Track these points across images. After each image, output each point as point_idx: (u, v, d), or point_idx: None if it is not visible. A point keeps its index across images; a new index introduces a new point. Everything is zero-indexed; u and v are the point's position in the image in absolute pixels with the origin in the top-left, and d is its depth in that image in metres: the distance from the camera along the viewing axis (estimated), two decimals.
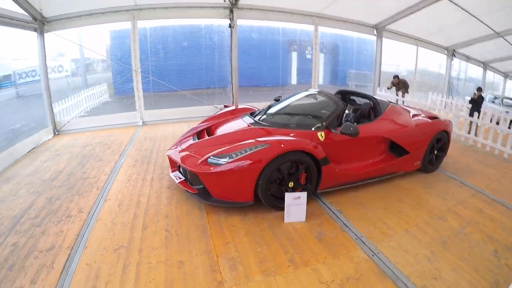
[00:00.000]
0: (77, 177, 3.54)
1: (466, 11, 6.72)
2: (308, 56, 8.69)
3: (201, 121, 3.89)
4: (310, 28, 7.19)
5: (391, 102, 3.95)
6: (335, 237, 2.41)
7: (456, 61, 9.91)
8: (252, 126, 3.15)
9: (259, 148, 2.46)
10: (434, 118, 4.09)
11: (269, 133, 2.94)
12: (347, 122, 3.03)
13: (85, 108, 7.29)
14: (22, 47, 6.79)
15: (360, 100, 3.95)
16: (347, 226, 2.56)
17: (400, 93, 7.57)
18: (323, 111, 3.26)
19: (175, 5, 5.67)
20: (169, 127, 5.90)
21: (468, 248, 2.34)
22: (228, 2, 5.77)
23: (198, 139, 3.23)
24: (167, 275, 1.90)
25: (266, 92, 7.24)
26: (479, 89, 6.77)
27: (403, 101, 6.99)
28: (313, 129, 3.01)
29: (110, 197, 3.02)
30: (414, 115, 3.99)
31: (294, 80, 8.82)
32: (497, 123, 5.31)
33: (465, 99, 7.95)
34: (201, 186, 2.64)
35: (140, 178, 3.46)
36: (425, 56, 9.31)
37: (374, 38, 8.05)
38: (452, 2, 6.18)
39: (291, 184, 2.63)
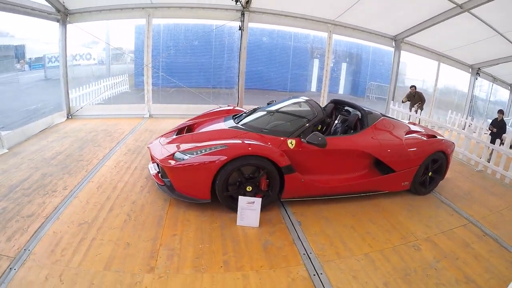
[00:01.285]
0: (73, 158, 4.01)
1: (490, 27, 6.43)
2: (330, 64, 8.79)
3: (189, 118, 4.20)
4: (324, 35, 7.28)
5: (385, 115, 3.90)
6: (282, 248, 2.44)
7: (481, 80, 9.37)
8: (228, 128, 3.32)
9: (218, 149, 2.66)
10: (432, 137, 3.96)
11: (239, 136, 3.07)
12: (316, 132, 3.03)
13: (102, 96, 7.98)
14: (54, 31, 7.62)
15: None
16: (299, 239, 2.57)
17: (414, 107, 7.37)
18: (300, 120, 3.31)
19: (189, 5, 6.09)
20: (171, 122, 6.31)
21: (433, 286, 2.14)
22: (240, 5, 6.06)
23: (178, 135, 3.52)
24: (112, 253, 2.20)
25: (273, 96, 7.48)
26: (501, 112, 6.40)
27: (419, 119, 6.80)
28: (285, 136, 3.08)
29: (93, 179, 3.43)
30: (409, 132, 3.89)
31: (314, 87, 8.93)
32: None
33: (487, 121, 7.55)
34: (168, 180, 2.93)
35: (126, 166, 3.85)
36: (448, 73, 8.94)
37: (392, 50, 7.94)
38: (474, 15, 5.95)
39: (249, 188, 2.76)
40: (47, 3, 5.10)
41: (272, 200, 2.96)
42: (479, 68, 8.98)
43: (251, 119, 3.58)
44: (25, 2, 4.60)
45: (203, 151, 2.72)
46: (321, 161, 3.21)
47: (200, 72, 6.89)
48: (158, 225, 2.57)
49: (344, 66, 9.41)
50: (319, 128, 4.05)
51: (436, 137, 4.02)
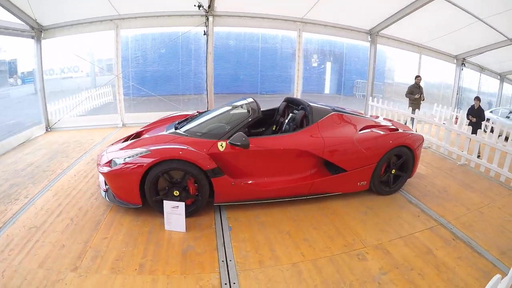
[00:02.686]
0: (41, 169, 4.55)
1: (468, 12, 6.51)
2: (314, 65, 9.06)
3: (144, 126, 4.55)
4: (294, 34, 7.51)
5: (339, 111, 3.87)
6: (202, 254, 2.54)
7: (468, 71, 9.35)
8: (166, 134, 3.55)
9: (143, 154, 2.95)
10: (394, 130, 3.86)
11: (172, 141, 3.24)
12: (239, 132, 3.10)
13: (83, 107, 8.53)
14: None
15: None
16: (223, 246, 2.66)
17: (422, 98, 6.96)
18: (235, 121, 3.36)
19: (154, 14, 6.54)
20: None
21: None
22: (203, 10, 6.44)
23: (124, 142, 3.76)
24: (48, 253, 2.65)
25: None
26: (477, 99, 6.44)
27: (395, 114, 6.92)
28: (216, 139, 3.16)
29: (52, 188, 3.92)
30: (366, 127, 3.81)
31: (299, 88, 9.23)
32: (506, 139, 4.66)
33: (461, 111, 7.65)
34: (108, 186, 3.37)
35: (84, 175, 4.33)
36: (433, 65, 9.00)
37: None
38: (449, 1, 6.02)
39: (176, 193, 2.98)
40: (20, 22, 5.66)
41: (202, 205, 3.13)
42: (464, 59, 8.99)
43: (191, 124, 3.70)
44: (1, 22, 5.17)
45: (131, 157, 3.02)
46: (256, 162, 3.23)
47: (169, 79, 7.35)
48: (94, 229, 3.01)
49: (328, 65, 9.62)
50: (274, 128, 4.35)
51: (398, 130, 3.91)
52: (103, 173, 3.21)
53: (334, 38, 7.92)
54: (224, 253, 2.60)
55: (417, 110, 6.33)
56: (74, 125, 6.92)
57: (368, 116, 4.90)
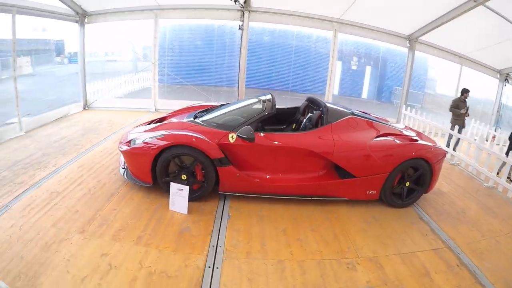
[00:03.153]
0: (72, 143, 4.94)
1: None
2: (353, 67, 8.89)
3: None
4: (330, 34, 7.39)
5: (356, 114, 3.76)
6: (196, 236, 2.67)
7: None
8: (185, 121, 3.72)
9: (157, 137, 3.15)
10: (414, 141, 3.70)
11: (187, 128, 3.38)
12: (247, 126, 3.19)
13: (121, 90, 9.11)
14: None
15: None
16: (218, 232, 2.77)
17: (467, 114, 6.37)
18: (249, 116, 3.45)
19: (192, 6, 6.80)
20: None
21: None
22: (239, 5, 6.58)
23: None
24: (62, 216, 2.88)
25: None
26: None
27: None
28: (229, 130, 3.27)
29: (79, 160, 4.24)
30: (383, 134, 3.67)
31: (336, 90, 9.10)
32: None
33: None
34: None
35: (110, 152, 4.64)
36: (474, 78, 8.31)
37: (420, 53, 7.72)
38: (491, 9, 5.60)
39: (183, 177, 3.15)
40: (65, 6, 6.22)
41: (207, 192, 3.26)
42: (508, 74, 8.21)
43: (209, 114, 3.84)
44: (47, 7, 5.73)
45: (148, 139, 3.23)
46: (264, 157, 3.30)
47: (203, 70, 7.61)
48: (107, 200, 3.22)
49: (365, 69, 9.35)
50: (293, 127, 4.35)
51: (418, 140, 3.70)
52: (122, 151, 3.44)
53: (371, 41, 7.65)
54: (217, 239, 2.69)
55: (456, 126, 5.80)
56: (110, 106, 7.43)
57: (396, 124, 4.58)
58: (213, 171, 3.17)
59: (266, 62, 7.75)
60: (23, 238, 2.52)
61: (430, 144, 3.79)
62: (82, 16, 6.65)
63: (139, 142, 3.31)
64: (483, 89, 8.92)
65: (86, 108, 7.29)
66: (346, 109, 3.88)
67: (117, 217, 2.95)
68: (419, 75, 9.11)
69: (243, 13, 6.77)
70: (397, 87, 9.77)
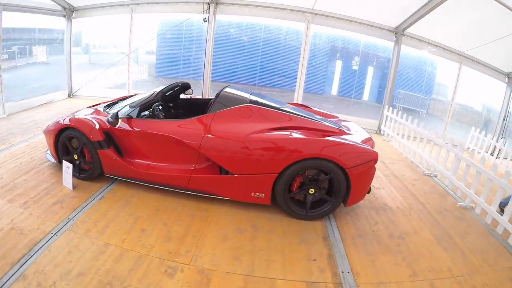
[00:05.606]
0: (36, 125, 6.09)
1: None
2: (355, 67, 9.00)
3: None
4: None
5: (252, 103, 3.68)
6: (64, 208, 3.25)
7: None
8: (97, 108, 4.44)
9: (62, 119, 3.92)
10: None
11: (94, 113, 4.05)
12: (115, 111, 3.60)
13: (110, 81, 10.25)
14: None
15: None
16: (82, 209, 3.29)
17: None
18: (135, 102, 3.94)
19: (164, 0, 7.62)
20: None
21: None
22: None
23: None
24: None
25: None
26: None
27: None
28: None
29: (34, 139, 5.33)
30: (287, 127, 3.49)
31: (334, 90, 9.33)
32: None
33: None
34: None
35: None
36: (476, 80, 7.72)
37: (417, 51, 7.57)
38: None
39: (75, 157, 3.81)
40: (53, 3, 7.48)
41: (96, 173, 3.80)
42: None
43: (120, 103, 4.47)
44: (34, 3, 6.95)
45: (57, 120, 4.03)
46: (139, 143, 3.66)
47: (171, 63, 8.44)
48: (25, 173, 4.05)
49: (370, 70, 9.32)
50: None
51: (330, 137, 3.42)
52: (43, 131, 4.34)
53: (349, 34, 7.66)
54: (76, 214, 3.23)
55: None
56: (94, 95, 8.66)
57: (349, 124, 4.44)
58: (96, 154, 3.71)
59: (233, 55, 8.25)
60: None
61: (354, 143, 3.39)
62: (69, 11, 7.90)
63: (51, 123, 4.17)
64: (488, 94, 8.32)
65: (71, 96, 8.62)
66: (251, 97, 3.89)
67: (23, 185, 3.75)
68: (426, 78, 8.83)
69: (209, 6, 7.39)
70: (401, 90, 9.53)
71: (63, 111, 7.18)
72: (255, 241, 3.02)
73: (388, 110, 7.33)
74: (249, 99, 3.78)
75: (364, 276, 2.67)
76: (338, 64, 8.64)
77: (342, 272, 2.70)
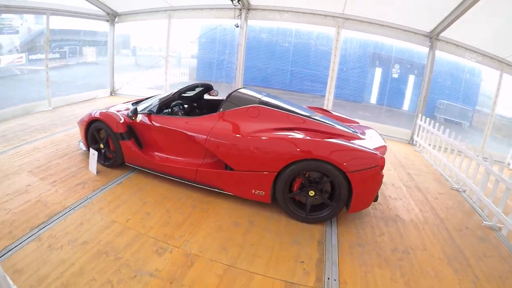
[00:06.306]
0: (76, 118, 6.92)
1: None
2: (389, 74, 8.92)
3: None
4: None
5: (262, 103, 3.86)
6: (85, 189, 3.77)
7: None
8: (126, 104, 5.06)
9: (93, 112, 4.45)
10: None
11: (124, 110, 4.56)
12: (134, 107, 4.10)
13: (152, 82, 11.15)
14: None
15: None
16: (100, 190, 3.78)
17: None
18: (156, 100, 4.37)
19: (198, 7, 8.19)
20: None
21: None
22: (239, 5, 7.62)
23: None
24: (26, 162, 4.52)
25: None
26: None
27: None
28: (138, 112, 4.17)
29: (72, 130, 6.11)
30: (294, 128, 3.62)
31: (366, 97, 9.28)
32: None
33: None
34: None
35: None
36: None
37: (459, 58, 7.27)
38: None
39: (101, 146, 4.36)
40: (98, 8, 8.45)
41: (119, 161, 4.28)
42: None
43: (146, 100, 4.96)
44: (80, 9, 7.95)
45: (90, 112, 4.57)
46: (156, 137, 4.09)
47: (206, 66, 8.97)
48: (60, 157, 4.73)
49: (404, 77, 9.10)
50: None
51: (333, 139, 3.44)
52: (77, 122, 4.99)
53: (382, 39, 7.54)
54: (93, 193, 3.71)
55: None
56: (134, 94, 9.50)
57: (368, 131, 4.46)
58: (118, 144, 4.27)
59: (264, 60, 8.53)
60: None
61: (358, 147, 3.36)
62: (112, 16, 8.86)
63: (84, 115, 4.77)
64: None
65: (113, 94, 9.56)
66: (269, 99, 4.08)
67: (56, 167, 4.39)
68: (463, 86, 8.38)
69: (241, 12, 7.79)
70: (442, 100, 9.09)
71: (102, 107, 8.01)
72: (247, 236, 3.16)
73: (421, 119, 7.05)
74: (260, 100, 3.95)
75: (351, 286, 2.61)
76: (371, 70, 8.53)
77: (328, 278, 2.67)
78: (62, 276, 2.40)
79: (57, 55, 8.23)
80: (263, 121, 3.68)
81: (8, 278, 1.47)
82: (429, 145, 6.59)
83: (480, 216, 4.28)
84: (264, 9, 7.78)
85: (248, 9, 7.80)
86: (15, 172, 4.15)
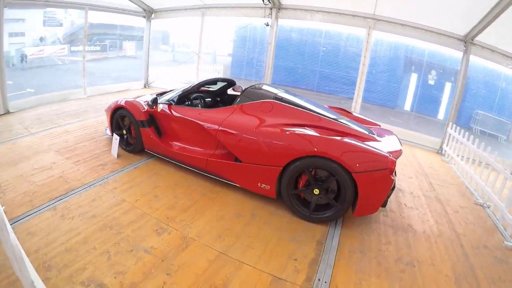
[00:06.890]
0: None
1: None
2: (431, 82, 8.62)
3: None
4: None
5: (278, 99, 3.91)
6: (105, 169, 4.11)
7: None
8: (151, 94, 5.33)
9: (119, 101, 4.80)
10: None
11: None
12: (155, 98, 4.33)
13: (181, 75, 11.57)
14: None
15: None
16: (117, 172, 4.06)
17: None
18: (176, 92, 4.62)
19: (230, 5, 8.41)
20: None
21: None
22: (269, 3, 7.73)
23: None
24: (56, 142, 5.01)
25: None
26: None
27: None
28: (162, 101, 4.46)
29: (102, 117, 6.60)
30: (307, 125, 3.60)
31: (408, 105, 9.04)
32: None
33: None
34: None
35: None
36: None
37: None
38: None
39: (124, 132, 4.70)
40: (135, 5, 8.96)
41: (139, 147, 4.55)
42: None
43: (170, 91, 5.25)
44: (118, 5, 8.50)
45: (116, 100, 4.94)
46: (174, 126, 4.32)
47: (236, 64, 9.16)
48: (87, 141, 5.15)
49: (448, 86, 8.68)
50: None
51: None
52: (105, 109, 5.38)
53: (413, 42, 7.22)
54: (111, 174, 4.04)
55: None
56: (165, 87, 9.95)
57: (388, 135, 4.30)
58: (139, 131, 4.56)
59: (293, 60, 8.54)
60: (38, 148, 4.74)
61: (368, 147, 3.25)
62: (148, 13, 9.36)
63: (111, 103, 5.15)
64: None
65: (146, 86, 10.09)
66: (286, 95, 4.12)
67: (81, 149, 4.79)
68: (498, 95, 7.80)
69: (272, 11, 7.89)
70: (479, 111, 8.53)
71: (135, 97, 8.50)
72: (246, 228, 3.21)
73: (451, 128, 6.66)
74: (275, 95, 3.98)
75: None
76: (402, 75, 8.22)
77: (319, 280, 2.61)
78: (67, 242, 2.66)
79: (98, 48, 8.87)
80: (275, 116, 3.72)
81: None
82: (458, 155, 6.22)
83: (502, 236, 3.91)
84: (295, 9, 7.80)
85: (279, 8, 7.87)
86: (43, 150, 4.60)
